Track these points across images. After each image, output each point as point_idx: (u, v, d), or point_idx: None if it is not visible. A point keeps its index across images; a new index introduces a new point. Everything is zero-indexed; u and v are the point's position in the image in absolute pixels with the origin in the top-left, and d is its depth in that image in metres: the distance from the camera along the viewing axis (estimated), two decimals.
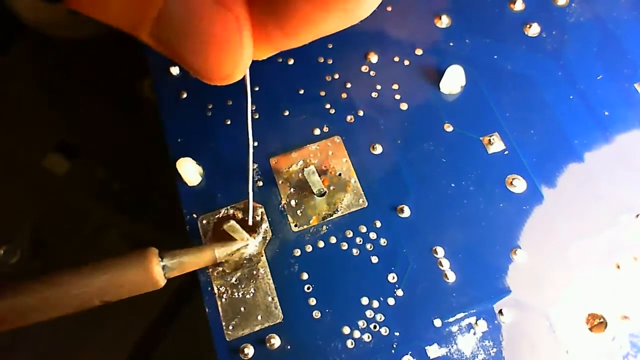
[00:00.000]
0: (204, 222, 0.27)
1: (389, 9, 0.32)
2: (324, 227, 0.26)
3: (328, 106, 0.29)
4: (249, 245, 0.25)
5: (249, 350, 0.24)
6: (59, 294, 0.21)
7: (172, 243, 0.35)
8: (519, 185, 0.26)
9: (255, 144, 0.28)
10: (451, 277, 0.25)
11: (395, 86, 0.29)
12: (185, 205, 0.27)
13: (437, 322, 0.24)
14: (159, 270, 0.22)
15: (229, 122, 0.29)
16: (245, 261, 0.25)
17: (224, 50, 0.15)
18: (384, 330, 0.24)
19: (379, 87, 0.29)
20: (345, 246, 0.26)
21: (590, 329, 0.24)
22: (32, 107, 0.42)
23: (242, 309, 0.25)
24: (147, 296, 0.35)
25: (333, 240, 0.26)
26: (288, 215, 0.26)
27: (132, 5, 0.15)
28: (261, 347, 0.24)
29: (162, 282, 0.23)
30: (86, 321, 0.35)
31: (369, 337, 0.24)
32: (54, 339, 0.35)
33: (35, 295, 0.21)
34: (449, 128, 0.28)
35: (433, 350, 0.24)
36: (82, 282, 0.21)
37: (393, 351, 0.24)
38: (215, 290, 0.25)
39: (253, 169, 0.28)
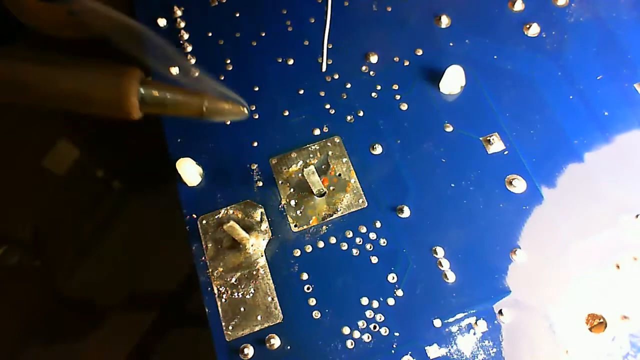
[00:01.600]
0: (204, 222, 0.27)
1: (389, 9, 0.32)
2: (324, 227, 0.26)
3: (328, 106, 0.29)
4: (255, 242, 0.26)
5: (249, 351, 0.24)
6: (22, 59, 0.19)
7: (172, 243, 0.35)
8: (518, 185, 0.26)
9: (255, 144, 0.28)
10: (451, 277, 0.25)
11: (395, 86, 0.29)
12: (185, 206, 0.27)
13: (437, 322, 0.24)
14: (134, 93, 0.19)
15: (228, 122, 0.29)
16: (244, 261, 0.25)
17: None
18: (384, 331, 0.24)
19: (378, 87, 0.29)
20: (345, 246, 0.26)
21: (590, 329, 0.24)
22: (32, 107, 0.42)
23: (242, 309, 0.25)
24: (147, 296, 0.35)
25: (333, 240, 0.26)
26: (288, 216, 0.26)
27: None
28: (261, 347, 0.24)
29: (136, 112, 0.19)
30: (86, 321, 0.35)
31: (368, 338, 0.24)
32: (55, 337, 0.35)
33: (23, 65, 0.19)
34: (448, 128, 0.28)
35: (433, 351, 0.24)
36: (64, 68, 0.19)
37: (393, 351, 0.24)
38: (215, 291, 0.25)
39: (253, 169, 0.28)
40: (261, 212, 0.27)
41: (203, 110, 0.21)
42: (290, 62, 0.30)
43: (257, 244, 0.26)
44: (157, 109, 0.20)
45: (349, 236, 0.26)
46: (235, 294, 0.25)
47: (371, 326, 0.24)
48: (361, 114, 0.29)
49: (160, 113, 0.20)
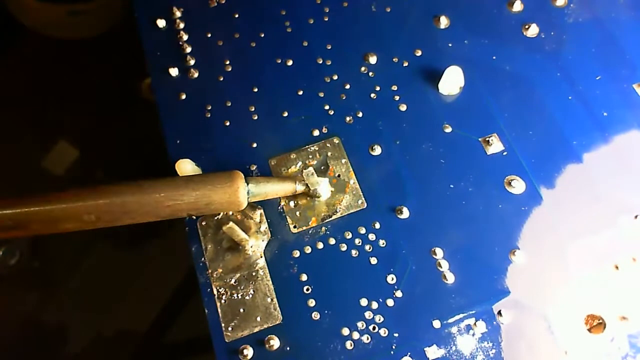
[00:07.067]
0: (203, 223, 0.27)
1: (388, 9, 0.32)
2: (323, 228, 0.26)
3: (327, 107, 0.29)
4: (255, 243, 0.26)
5: (248, 352, 0.24)
6: (154, 200, 0.23)
7: (172, 244, 0.35)
8: (517, 186, 0.26)
9: (254, 145, 0.28)
10: (450, 278, 0.25)
11: (394, 87, 0.29)
12: None
13: (436, 323, 0.24)
14: (243, 191, 0.23)
15: (227, 124, 0.29)
16: (244, 261, 0.25)
17: None
18: (383, 332, 0.24)
19: (377, 88, 0.29)
20: (344, 247, 0.26)
21: (589, 330, 0.24)
22: (32, 107, 0.42)
23: (242, 310, 0.25)
24: (146, 297, 0.35)
25: (332, 241, 0.26)
26: (287, 217, 0.26)
27: None
28: (260, 348, 0.24)
29: (245, 204, 0.24)
30: (84, 321, 0.35)
31: (368, 339, 0.24)
32: (54, 338, 0.35)
33: (133, 197, 0.23)
34: (447, 129, 0.28)
35: (432, 352, 0.24)
36: (176, 194, 0.23)
37: (392, 352, 0.24)
38: (215, 292, 0.25)
39: (252, 170, 0.28)
40: (260, 213, 0.27)
41: (295, 191, 0.26)
42: (290, 62, 0.30)
43: (256, 245, 0.26)
44: (260, 196, 0.25)
45: (348, 237, 0.26)
46: (235, 295, 0.25)
47: (370, 327, 0.24)
48: (360, 114, 0.29)
49: (264, 198, 0.25)
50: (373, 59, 0.30)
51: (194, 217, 0.27)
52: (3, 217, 0.22)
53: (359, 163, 0.28)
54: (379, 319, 0.24)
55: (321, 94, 0.29)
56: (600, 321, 0.24)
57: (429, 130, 0.28)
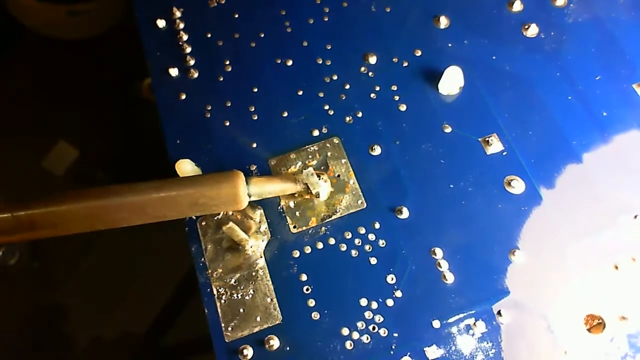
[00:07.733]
0: (203, 223, 0.27)
1: (388, 9, 0.32)
2: (323, 228, 0.26)
3: (327, 107, 0.29)
4: (255, 243, 0.26)
5: (248, 352, 0.24)
6: (154, 202, 0.23)
7: (172, 244, 0.35)
8: (517, 186, 0.26)
9: (254, 145, 0.28)
10: (450, 278, 0.25)
11: (394, 87, 0.29)
12: None
13: (436, 323, 0.24)
14: (244, 191, 0.24)
15: (227, 124, 0.29)
16: (244, 261, 0.25)
17: None
18: (383, 332, 0.24)
19: (377, 88, 0.29)
20: (344, 247, 0.26)
21: (589, 330, 0.24)
22: (32, 107, 0.43)
23: (241, 310, 0.25)
24: (146, 297, 0.35)
25: (332, 241, 0.26)
26: (287, 217, 0.26)
27: None
28: (260, 348, 0.24)
29: (245, 203, 0.24)
30: (84, 322, 0.35)
31: (367, 339, 0.24)
32: (55, 339, 0.35)
33: (133, 199, 0.23)
34: (447, 129, 0.28)
35: (432, 352, 0.24)
36: (176, 195, 0.23)
37: (392, 352, 0.24)
38: (215, 292, 0.25)
39: (252, 171, 0.28)
40: (260, 213, 0.27)
41: (295, 191, 0.26)
42: (289, 63, 0.31)
43: (256, 245, 0.26)
44: (261, 196, 0.25)
45: (348, 237, 0.26)
46: (235, 295, 0.25)
47: (370, 327, 0.24)
48: (360, 114, 0.29)
49: (264, 197, 0.25)
50: (373, 59, 0.30)
51: (194, 217, 0.27)
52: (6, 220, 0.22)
53: (358, 163, 0.28)
54: (378, 319, 0.24)
55: (321, 94, 0.29)
56: (600, 321, 0.24)
57: (429, 130, 0.28)
